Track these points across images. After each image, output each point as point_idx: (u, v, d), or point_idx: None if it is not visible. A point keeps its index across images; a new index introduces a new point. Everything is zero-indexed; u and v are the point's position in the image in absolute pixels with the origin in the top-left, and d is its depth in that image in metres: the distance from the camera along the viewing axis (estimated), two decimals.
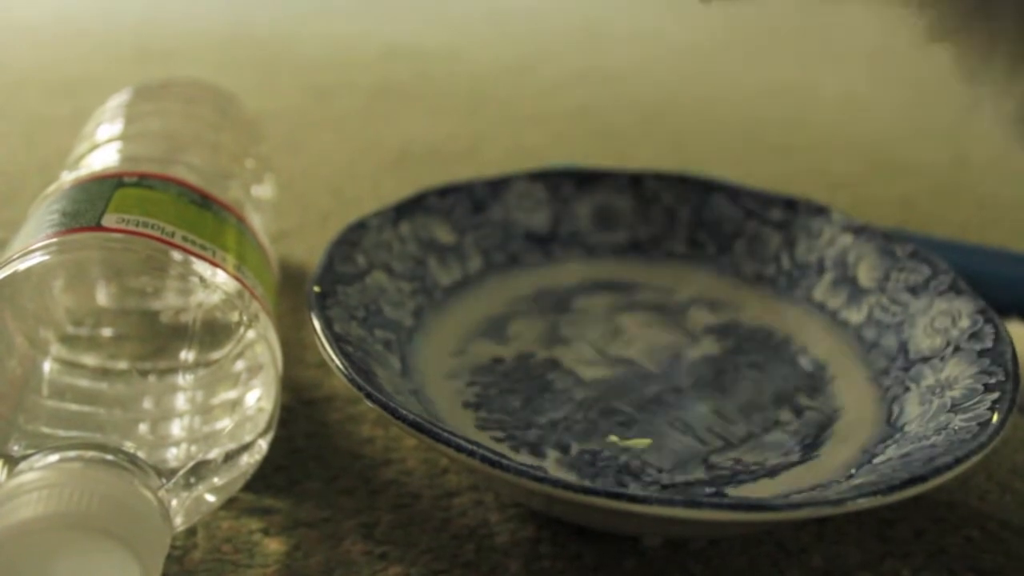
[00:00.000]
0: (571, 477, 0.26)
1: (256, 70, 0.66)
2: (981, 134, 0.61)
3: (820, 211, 0.35)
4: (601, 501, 0.22)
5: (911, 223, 0.47)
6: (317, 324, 0.27)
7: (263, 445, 0.26)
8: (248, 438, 0.26)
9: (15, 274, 0.25)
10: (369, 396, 0.24)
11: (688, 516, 0.22)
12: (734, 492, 0.26)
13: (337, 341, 0.27)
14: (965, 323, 0.29)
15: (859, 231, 0.34)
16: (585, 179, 0.37)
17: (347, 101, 0.61)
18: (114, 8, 0.81)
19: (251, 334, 0.26)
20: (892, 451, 0.26)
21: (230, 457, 0.25)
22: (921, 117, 0.62)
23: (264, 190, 0.36)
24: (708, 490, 0.26)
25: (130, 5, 0.83)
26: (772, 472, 0.27)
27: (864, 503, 0.22)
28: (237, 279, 0.26)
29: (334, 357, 0.26)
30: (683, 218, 0.37)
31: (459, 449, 0.23)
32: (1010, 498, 0.29)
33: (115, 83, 0.40)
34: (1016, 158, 0.44)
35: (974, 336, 0.29)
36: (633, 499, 0.22)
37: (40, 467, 0.22)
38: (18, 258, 0.25)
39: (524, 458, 0.27)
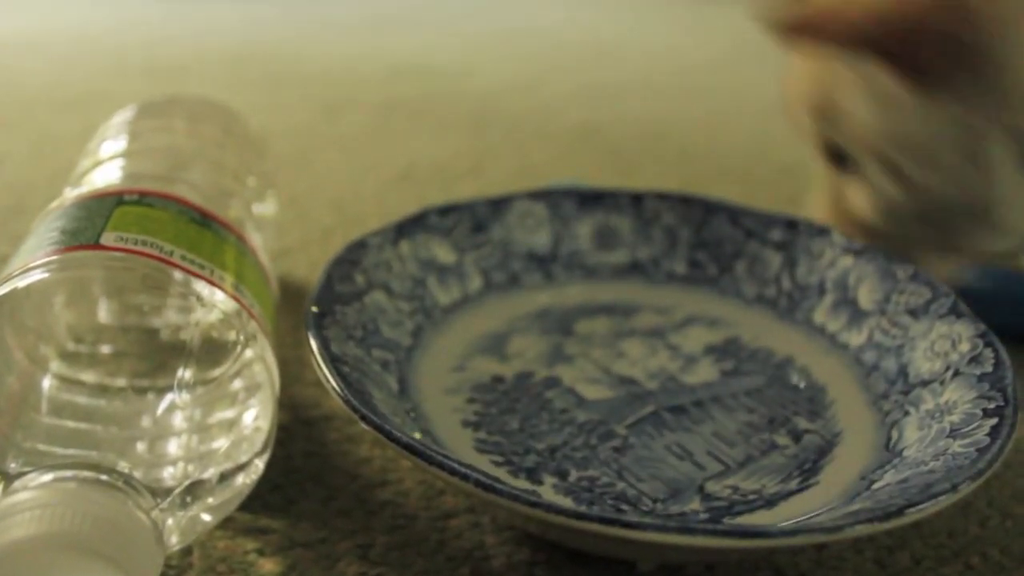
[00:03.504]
0: (567, 503, 0.26)
1: (263, 87, 0.66)
2: None
3: (821, 232, 0.35)
4: (595, 527, 0.22)
5: None
6: (314, 344, 0.27)
7: (259, 465, 0.26)
8: (244, 458, 0.26)
9: (14, 291, 0.25)
10: (364, 418, 0.24)
11: (683, 543, 0.22)
12: (731, 522, 0.26)
13: (333, 362, 0.27)
14: (965, 347, 0.29)
15: (860, 252, 0.34)
16: (586, 199, 0.37)
17: (353, 118, 0.61)
18: (124, 25, 0.82)
19: (249, 353, 0.26)
20: (890, 477, 0.26)
21: (226, 477, 0.25)
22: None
23: (266, 208, 0.36)
24: (703, 518, 0.26)
25: (140, 22, 0.83)
26: (770, 502, 0.27)
27: (860, 530, 0.22)
28: (235, 298, 0.26)
29: (330, 378, 0.26)
30: (684, 238, 0.36)
31: (453, 472, 0.23)
32: (1011, 524, 0.29)
33: (123, 99, 0.40)
34: None
35: (974, 360, 0.28)
36: (627, 525, 0.22)
37: (34, 486, 0.22)
38: (18, 275, 0.25)
39: (522, 483, 0.27)
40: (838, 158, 0.36)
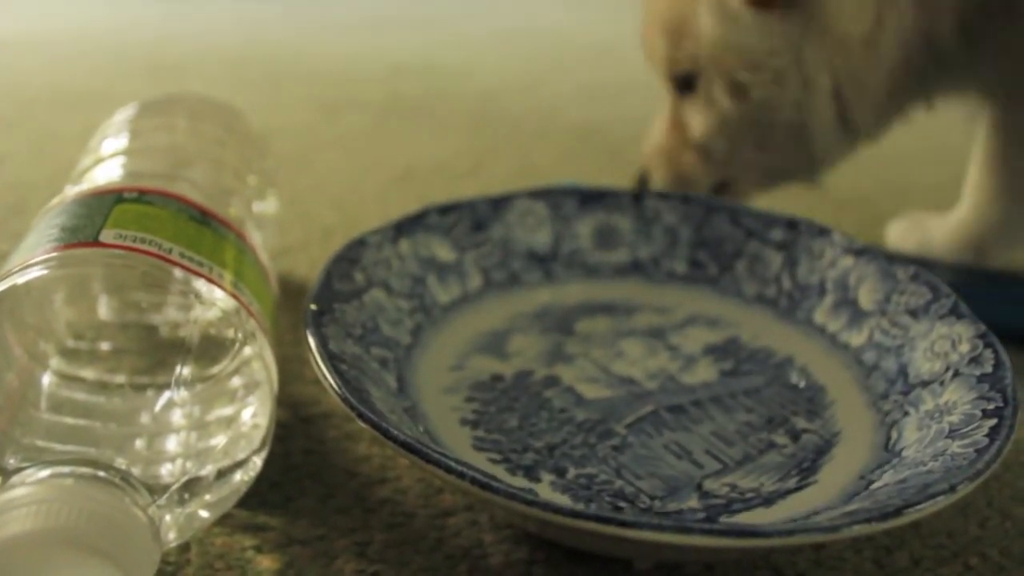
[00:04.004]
0: (565, 501, 0.26)
1: (264, 86, 0.66)
2: None
3: (822, 232, 0.35)
4: (591, 525, 0.22)
5: None
6: (312, 342, 0.27)
7: (257, 462, 0.26)
8: (242, 455, 0.26)
9: (14, 288, 0.25)
10: (361, 416, 0.24)
11: (680, 542, 0.22)
12: (728, 520, 0.26)
13: (332, 360, 0.27)
14: (965, 348, 0.29)
15: (860, 253, 0.34)
16: (587, 198, 0.37)
17: (354, 118, 0.61)
18: (125, 24, 0.82)
19: (247, 351, 0.26)
20: (889, 477, 0.26)
21: (223, 474, 0.25)
22: (928, 137, 0.62)
23: (267, 206, 0.36)
24: (701, 516, 0.26)
25: (141, 21, 0.83)
26: (768, 501, 0.27)
27: (858, 530, 0.22)
28: (234, 296, 0.26)
29: (328, 376, 0.26)
30: (684, 238, 0.36)
31: (449, 470, 0.23)
32: (1011, 525, 0.29)
33: (125, 98, 0.40)
34: None
35: (974, 361, 0.28)
36: (624, 524, 0.22)
37: (32, 482, 0.22)
38: (18, 272, 0.25)
39: (519, 481, 0.27)
40: (683, 82, 0.41)
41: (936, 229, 0.45)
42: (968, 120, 0.43)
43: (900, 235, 0.46)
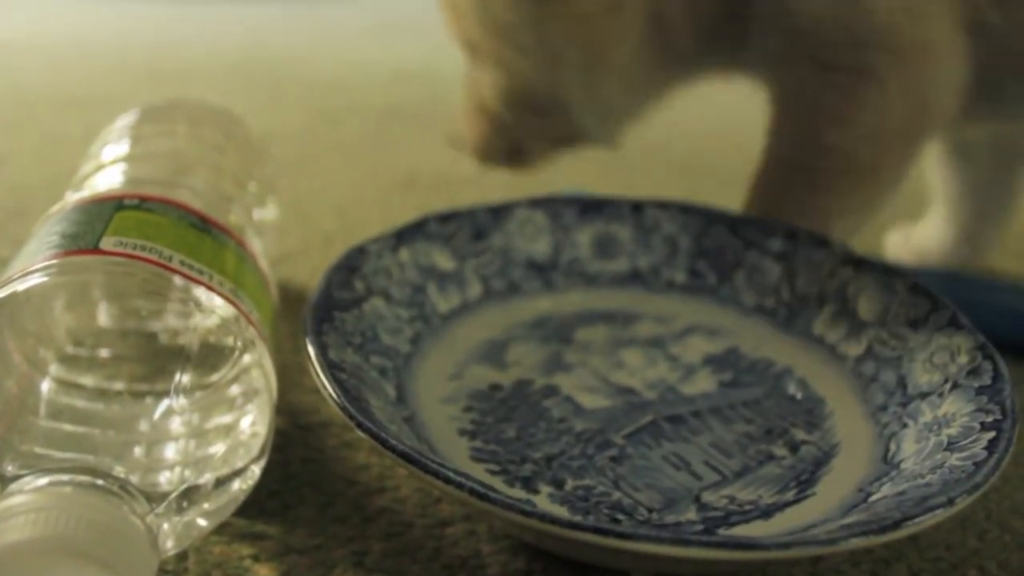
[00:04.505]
0: (562, 512, 0.26)
1: (266, 92, 0.66)
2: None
3: (821, 242, 0.35)
4: (589, 537, 0.22)
5: None
6: (312, 351, 0.27)
7: (256, 471, 0.26)
8: (240, 463, 0.26)
9: (14, 295, 0.25)
10: (360, 425, 0.24)
11: (677, 554, 0.22)
12: (726, 533, 0.26)
13: (331, 368, 0.27)
14: (964, 359, 0.29)
15: (859, 264, 0.34)
16: (587, 207, 0.37)
17: (355, 124, 0.62)
18: (126, 28, 0.82)
19: (247, 359, 0.26)
20: (887, 489, 0.26)
21: (222, 482, 0.25)
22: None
23: (267, 213, 0.36)
24: (698, 528, 0.26)
25: (142, 25, 0.84)
26: (767, 513, 0.27)
27: (856, 543, 0.22)
28: (233, 304, 0.26)
29: (327, 385, 0.26)
30: (684, 247, 0.36)
31: (447, 481, 0.23)
32: (1009, 538, 0.29)
33: (126, 102, 0.40)
34: None
35: (973, 373, 0.28)
36: (621, 535, 0.22)
37: (30, 490, 0.22)
38: (18, 278, 0.25)
39: (517, 492, 0.27)
40: (470, 52, 0.42)
41: (928, 236, 0.46)
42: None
43: (897, 246, 0.47)
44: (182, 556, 0.26)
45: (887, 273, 0.33)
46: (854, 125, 0.36)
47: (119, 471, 0.23)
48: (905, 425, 0.29)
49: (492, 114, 0.42)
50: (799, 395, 0.32)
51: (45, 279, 0.25)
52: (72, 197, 0.30)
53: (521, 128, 0.42)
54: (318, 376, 0.26)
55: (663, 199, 0.38)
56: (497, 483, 0.27)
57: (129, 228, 0.27)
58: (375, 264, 0.33)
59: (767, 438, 0.30)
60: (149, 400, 0.26)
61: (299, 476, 0.30)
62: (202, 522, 0.25)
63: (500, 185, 0.53)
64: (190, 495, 0.25)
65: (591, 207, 0.37)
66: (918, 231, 0.47)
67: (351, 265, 0.32)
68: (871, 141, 0.36)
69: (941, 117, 0.37)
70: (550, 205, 0.37)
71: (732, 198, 0.42)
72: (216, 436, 0.26)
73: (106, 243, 0.26)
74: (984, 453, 0.25)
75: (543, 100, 0.41)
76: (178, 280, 0.26)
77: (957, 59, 0.36)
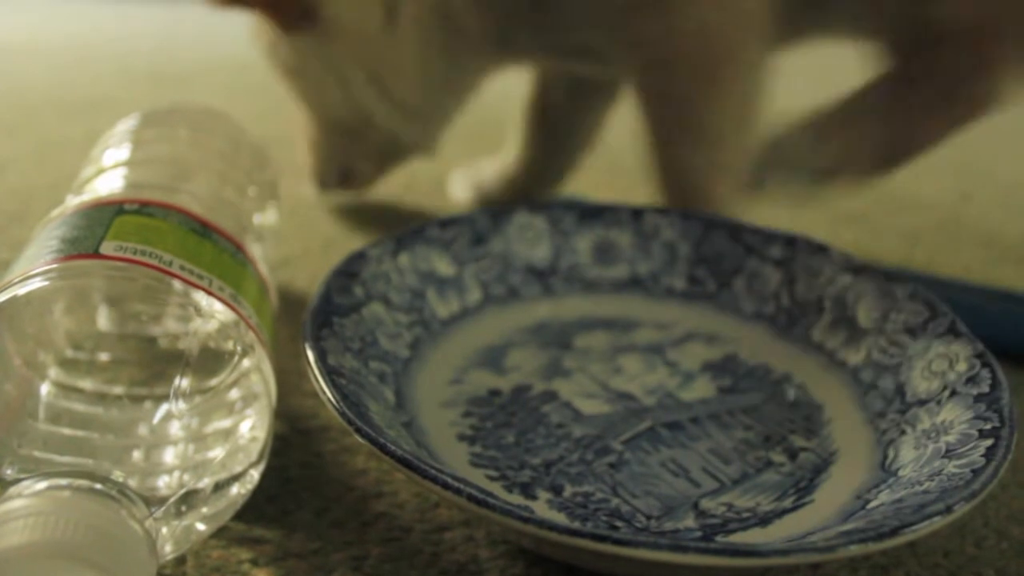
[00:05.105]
0: (561, 518, 0.26)
1: (267, 96, 0.66)
2: (986, 170, 0.61)
3: (820, 249, 0.35)
4: (587, 543, 0.22)
5: (915, 259, 0.47)
6: (311, 356, 0.27)
7: (255, 475, 0.26)
8: (239, 468, 0.26)
9: (14, 299, 0.25)
10: (358, 430, 0.25)
11: (675, 560, 0.22)
12: (724, 540, 0.26)
13: (330, 374, 0.27)
14: (962, 367, 0.29)
15: (859, 271, 0.34)
16: (586, 213, 0.37)
17: None
18: (128, 32, 0.82)
19: (246, 364, 0.26)
20: (885, 496, 0.26)
21: (220, 487, 0.25)
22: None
23: (267, 218, 0.36)
24: (697, 535, 0.26)
25: (144, 29, 0.84)
26: (764, 520, 0.27)
27: (854, 550, 0.22)
28: (233, 309, 0.26)
29: (326, 390, 0.26)
30: (683, 254, 0.37)
31: (446, 487, 0.23)
32: (1007, 545, 0.29)
33: (128, 106, 0.40)
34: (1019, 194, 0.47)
35: (971, 380, 0.28)
36: (619, 542, 0.22)
37: (28, 494, 0.22)
38: (18, 282, 0.25)
39: (516, 498, 0.27)
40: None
41: (488, 171, 0.50)
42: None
43: (459, 183, 0.50)
44: (180, 560, 0.26)
45: (886, 280, 0.33)
46: (680, 35, 0.38)
47: (118, 475, 0.23)
48: (903, 432, 0.29)
49: (316, 142, 0.46)
50: (798, 401, 0.32)
51: (45, 283, 0.25)
52: (73, 201, 0.30)
53: (344, 152, 0.45)
54: (317, 381, 0.26)
55: (662, 205, 0.38)
56: (496, 488, 0.27)
57: (129, 233, 0.27)
58: (375, 269, 0.33)
59: (766, 445, 0.30)
60: (148, 404, 0.26)
61: (298, 480, 0.30)
62: (201, 526, 0.25)
63: None
64: (189, 499, 0.25)
65: (590, 213, 0.37)
66: (481, 166, 0.50)
67: (351, 270, 0.32)
68: (699, 46, 0.39)
69: (759, 24, 0.39)
70: (550, 211, 0.37)
71: None
72: (215, 440, 0.26)
73: (106, 248, 0.26)
74: (982, 460, 0.25)
75: (352, 123, 0.43)
76: (178, 285, 0.26)
77: None
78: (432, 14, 0.40)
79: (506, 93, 0.66)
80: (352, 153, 0.46)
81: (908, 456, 0.27)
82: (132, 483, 0.24)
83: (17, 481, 0.23)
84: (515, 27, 0.41)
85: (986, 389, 0.28)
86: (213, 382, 0.26)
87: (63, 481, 0.23)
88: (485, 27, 0.41)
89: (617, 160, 0.58)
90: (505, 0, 0.40)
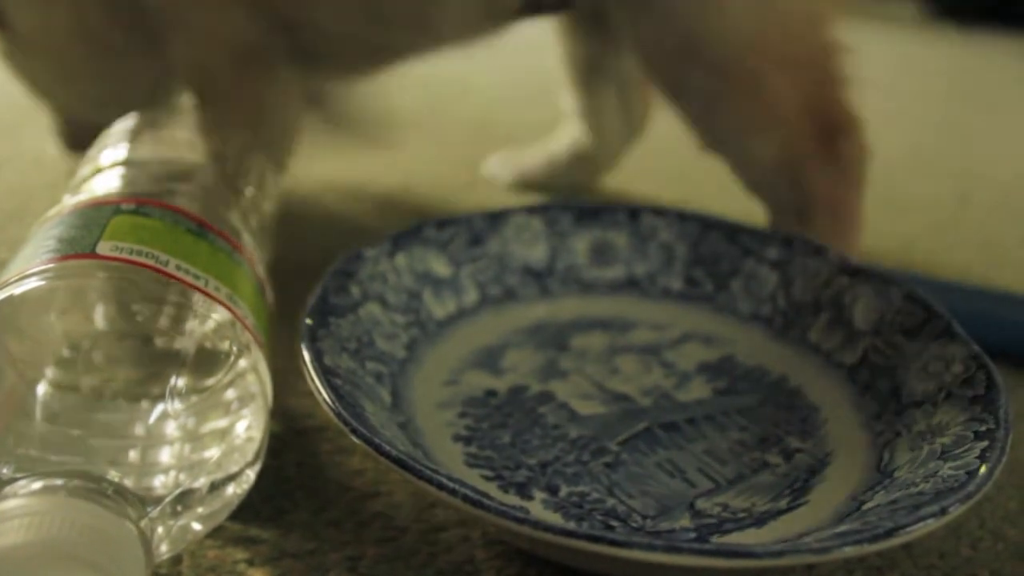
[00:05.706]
0: (556, 519, 0.26)
1: None
2: (984, 173, 0.61)
3: (817, 251, 0.35)
4: (582, 544, 0.22)
5: (913, 261, 0.47)
6: (307, 357, 0.27)
7: (251, 475, 0.26)
8: (235, 468, 0.26)
9: (10, 298, 0.25)
10: (354, 431, 0.25)
11: (670, 561, 0.22)
12: (720, 540, 0.26)
13: (326, 374, 0.27)
14: (958, 368, 0.29)
15: (855, 272, 0.34)
16: (583, 214, 0.37)
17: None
18: None
19: (242, 364, 0.26)
20: (880, 498, 0.26)
21: (216, 486, 0.25)
22: (925, 154, 0.62)
23: (263, 218, 0.36)
24: (692, 535, 0.26)
25: None
26: (760, 521, 0.27)
27: (848, 552, 0.22)
28: (229, 309, 0.26)
29: (322, 390, 0.26)
30: (680, 255, 0.37)
31: (441, 487, 0.23)
32: (1003, 547, 0.29)
33: None
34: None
35: (967, 382, 0.28)
36: (614, 543, 0.22)
37: (24, 493, 0.22)
38: (14, 282, 0.25)
39: (511, 499, 0.27)
40: None
41: (533, 157, 0.52)
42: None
43: (500, 164, 0.52)
44: (176, 560, 0.26)
45: (883, 282, 0.33)
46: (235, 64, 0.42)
47: (114, 475, 0.23)
48: (899, 434, 0.29)
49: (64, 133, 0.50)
50: (794, 403, 0.32)
51: (41, 283, 0.25)
52: (69, 201, 0.30)
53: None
54: (313, 381, 0.27)
55: (660, 206, 0.38)
56: (491, 489, 0.27)
57: (126, 233, 0.27)
58: (371, 269, 0.33)
59: (761, 446, 0.30)
60: (144, 404, 0.26)
61: (294, 480, 0.30)
62: (196, 526, 0.25)
63: (496, 192, 0.53)
64: (184, 499, 0.25)
65: (587, 214, 0.37)
66: (526, 154, 0.52)
67: (347, 270, 0.32)
68: (203, 67, 0.42)
69: (244, 54, 0.42)
70: (546, 212, 0.37)
71: (729, 205, 0.42)
72: (211, 440, 0.26)
73: (103, 248, 0.26)
74: (977, 462, 0.25)
75: (79, 120, 0.47)
76: (174, 285, 0.26)
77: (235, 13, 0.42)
78: (81, 25, 0.43)
79: (503, 95, 0.66)
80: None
81: (903, 457, 0.27)
82: (128, 483, 0.24)
83: (13, 480, 0.23)
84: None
85: (982, 391, 0.28)
86: (209, 382, 0.26)
87: (59, 481, 0.23)
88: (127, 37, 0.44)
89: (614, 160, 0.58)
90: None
